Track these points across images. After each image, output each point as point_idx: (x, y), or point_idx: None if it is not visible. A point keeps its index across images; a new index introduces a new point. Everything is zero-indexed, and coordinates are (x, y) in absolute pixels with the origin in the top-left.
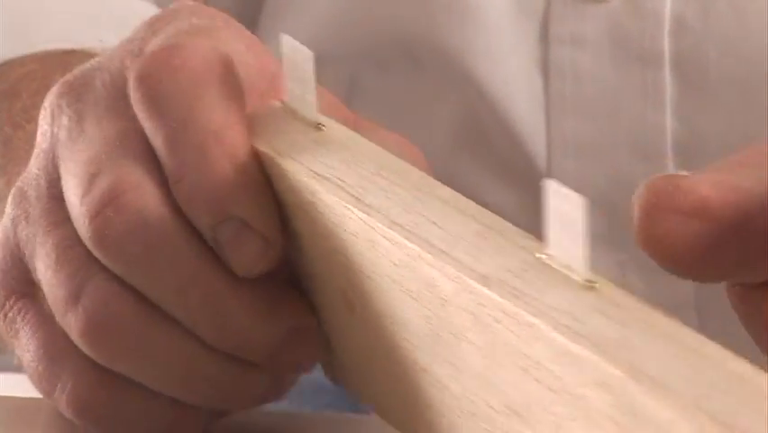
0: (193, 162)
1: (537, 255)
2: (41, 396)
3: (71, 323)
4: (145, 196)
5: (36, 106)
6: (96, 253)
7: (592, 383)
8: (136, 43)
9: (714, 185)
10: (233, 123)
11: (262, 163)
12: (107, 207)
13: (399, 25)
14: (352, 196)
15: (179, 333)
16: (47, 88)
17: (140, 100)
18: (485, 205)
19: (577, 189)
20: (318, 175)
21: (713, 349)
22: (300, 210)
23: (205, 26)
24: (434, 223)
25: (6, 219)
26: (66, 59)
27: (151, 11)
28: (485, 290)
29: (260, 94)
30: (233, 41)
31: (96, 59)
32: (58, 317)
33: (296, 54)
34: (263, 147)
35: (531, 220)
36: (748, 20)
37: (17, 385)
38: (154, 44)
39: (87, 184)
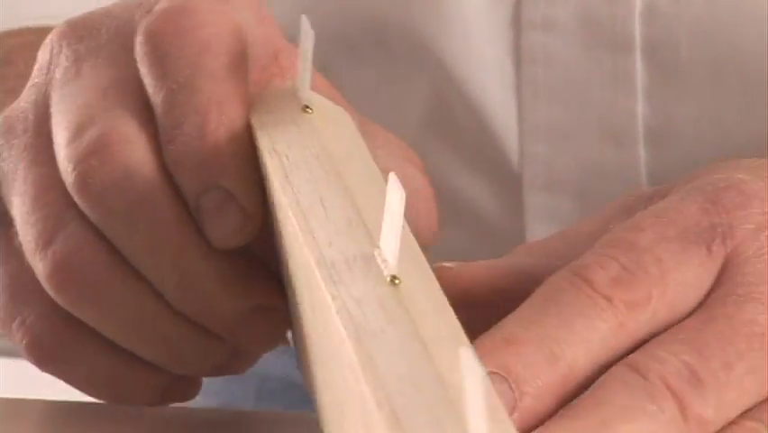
0: (190, 126)
1: (375, 248)
2: (29, 397)
3: (40, 264)
4: (134, 150)
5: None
6: (77, 200)
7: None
8: None
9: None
10: (235, 94)
11: (252, 137)
12: (93, 155)
13: (371, 10)
14: (284, 173)
15: (146, 290)
16: None
17: (145, 55)
18: (455, 190)
19: (547, 175)
20: (274, 151)
21: (448, 359)
22: (269, 187)
23: None
24: (323, 206)
25: None
26: None
27: None
28: (315, 271)
29: (262, 66)
30: (245, 9)
31: (105, 6)
32: (27, 255)
33: (306, 37)
34: (254, 121)
35: (501, 204)
36: (719, 5)
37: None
38: (167, 1)
39: (77, 129)
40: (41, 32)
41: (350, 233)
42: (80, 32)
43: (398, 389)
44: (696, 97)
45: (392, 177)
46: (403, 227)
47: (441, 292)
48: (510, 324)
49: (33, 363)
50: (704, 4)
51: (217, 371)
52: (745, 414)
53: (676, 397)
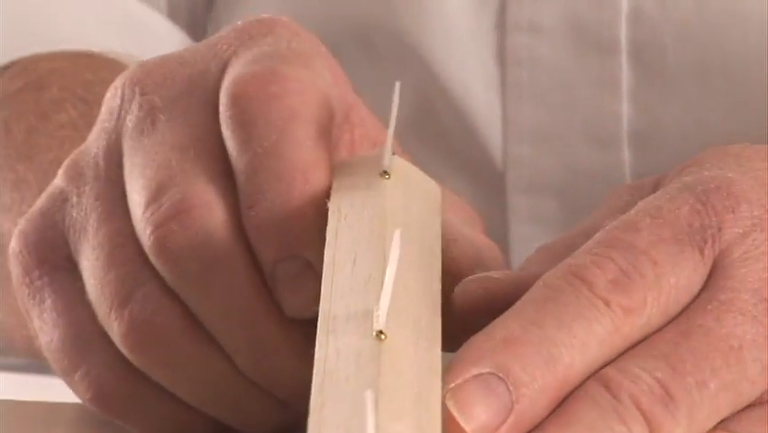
0: (273, 193)
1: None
2: (43, 400)
3: (115, 323)
4: (212, 215)
5: (66, 99)
6: (154, 262)
7: None
8: (223, 48)
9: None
10: (320, 163)
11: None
12: (173, 220)
13: (356, 10)
14: (336, 231)
15: (219, 356)
16: (78, 85)
17: (230, 119)
18: None
19: (531, 176)
20: (338, 211)
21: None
22: None
23: (304, 53)
24: (354, 262)
25: (54, 189)
26: (93, 61)
27: (152, 17)
28: (319, 321)
29: (336, 125)
30: (324, 69)
31: (177, 51)
32: (100, 312)
33: (394, 104)
34: (334, 184)
35: (484, 205)
36: (705, 8)
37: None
38: (250, 59)
39: (156, 192)
40: (74, 58)
41: (365, 290)
42: (154, 78)
43: None
44: (681, 100)
45: (396, 234)
46: (430, 285)
47: (434, 351)
48: (509, 323)
49: (98, 412)
50: (690, 8)
51: (271, 429)
52: (722, 424)
53: (646, 417)
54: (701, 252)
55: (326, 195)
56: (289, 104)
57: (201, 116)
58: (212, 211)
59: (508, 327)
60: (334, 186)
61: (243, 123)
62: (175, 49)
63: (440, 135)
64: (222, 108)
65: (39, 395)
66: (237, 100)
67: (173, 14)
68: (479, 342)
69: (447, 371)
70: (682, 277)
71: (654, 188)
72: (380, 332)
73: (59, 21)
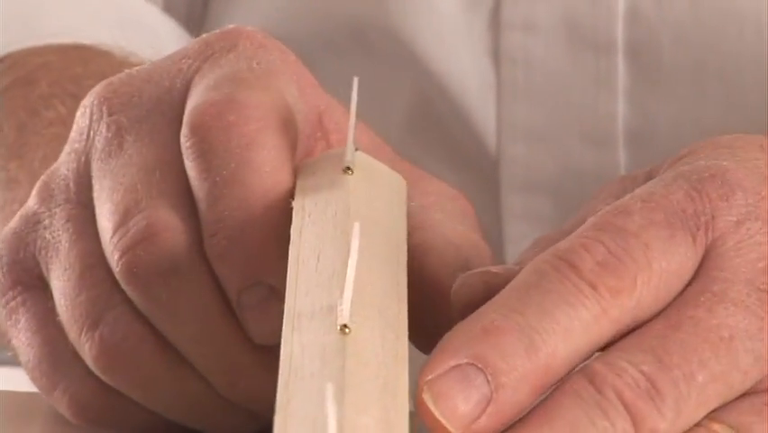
0: (232, 221)
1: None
2: (37, 391)
3: (86, 345)
4: (178, 239)
5: (55, 95)
6: (124, 287)
7: None
8: (187, 63)
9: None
10: (281, 188)
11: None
12: (139, 245)
13: (351, 10)
14: (300, 230)
15: (193, 377)
16: (67, 79)
17: (190, 148)
18: None
19: (526, 175)
20: (302, 210)
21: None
22: None
23: (264, 72)
24: (318, 259)
25: (27, 211)
26: (83, 53)
27: (147, 10)
28: (284, 318)
29: (307, 136)
30: (288, 85)
31: (143, 67)
32: (71, 333)
33: (354, 100)
34: (297, 185)
35: (479, 203)
36: (701, 9)
37: (15, 379)
38: (211, 84)
39: (123, 217)
40: (64, 51)
41: (329, 285)
42: (120, 98)
43: (297, 430)
44: (677, 100)
45: (356, 227)
46: (396, 277)
47: (400, 342)
48: (490, 312)
49: (80, 423)
50: (687, 8)
51: None
52: (713, 414)
53: (630, 412)
54: (694, 238)
55: (288, 218)
56: (247, 131)
57: (167, 135)
58: (177, 236)
59: (489, 316)
60: (298, 185)
61: (202, 152)
62: (171, 43)
63: (436, 132)
64: (182, 138)
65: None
66: (196, 130)
67: (169, 8)
68: (458, 332)
69: (425, 363)
70: (674, 262)
71: (648, 179)
72: (344, 326)
73: (50, 14)
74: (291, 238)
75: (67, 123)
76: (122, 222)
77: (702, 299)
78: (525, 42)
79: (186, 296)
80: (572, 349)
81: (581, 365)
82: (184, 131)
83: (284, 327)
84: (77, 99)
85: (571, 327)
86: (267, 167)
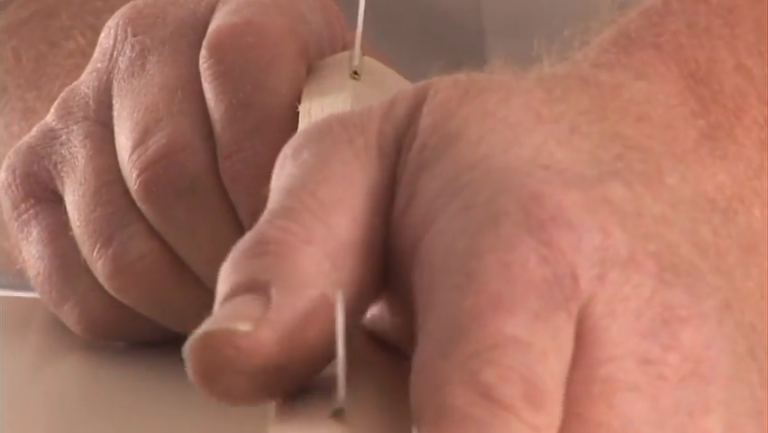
0: (247, 144)
1: None
2: (35, 295)
3: (98, 262)
4: (197, 159)
5: (75, 27)
6: (140, 205)
7: None
8: None
9: (275, 340)
10: (295, 112)
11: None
12: (158, 162)
13: None
14: None
15: (205, 296)
16: (87, 12)
17: (208, 69)
18: None
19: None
20: (308, 115)
21: None
22: None
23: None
24: None
25: (44, 126)
26: None
27: None
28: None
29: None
30: (310, 12)
31: None
32: (84, 250)
33: (361, 4)
34: (305, 90)
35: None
36: None
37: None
38: (232, 8)
39: (143, 134)
40: None
41: None
42: (146, 19)
43: None
44: None
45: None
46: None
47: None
48: None
49: (88, 337)
50: None
51: None
52: None
53: None
54: (569, 313)
55: None
56: (264, 54)
57: (189, 57)
58: (196, 155)
59: None
60: (305, 90)
61: (219, 74)
62: None
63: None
64: (201, 60)
65: None
66: (214, 51)
67: None
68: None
69: None
70: (564, 354)
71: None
72: (338, 410)
73: None
74: None
75: (86, 54)
76: (141, 140)
77: (596, 392)
78: None
79: (202, 216)
80: None
81: None
82: (202, 52)
83: None
84: (96, 31)
85: None
86: (283, 89)
